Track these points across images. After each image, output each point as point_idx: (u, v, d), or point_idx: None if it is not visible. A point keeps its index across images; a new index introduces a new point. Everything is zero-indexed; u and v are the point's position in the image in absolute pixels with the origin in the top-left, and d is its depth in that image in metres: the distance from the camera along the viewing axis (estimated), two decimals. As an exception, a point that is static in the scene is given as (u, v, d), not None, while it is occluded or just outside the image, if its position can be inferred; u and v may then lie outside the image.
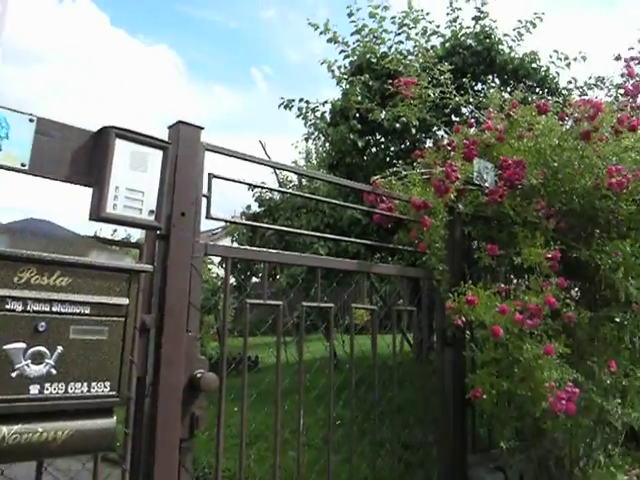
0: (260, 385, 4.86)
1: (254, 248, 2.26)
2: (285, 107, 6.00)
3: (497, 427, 2.85)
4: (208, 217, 2.06)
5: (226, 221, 2.19)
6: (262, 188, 2.17)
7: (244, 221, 2.39)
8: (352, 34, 6.20)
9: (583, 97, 5.11)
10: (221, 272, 9.37)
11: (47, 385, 1.36)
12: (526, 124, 3.18)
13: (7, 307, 1.30)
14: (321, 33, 6.20)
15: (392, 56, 5.84)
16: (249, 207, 6.42)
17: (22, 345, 1.32)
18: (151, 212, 1.75)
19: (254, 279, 8.60)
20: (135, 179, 1.71)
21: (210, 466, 4.45)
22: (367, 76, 5.77)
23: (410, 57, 5.97)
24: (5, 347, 1.29)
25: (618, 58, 3.13)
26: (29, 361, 1.33)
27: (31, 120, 1.55)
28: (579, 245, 2.86)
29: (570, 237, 2.93)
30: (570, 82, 6.00)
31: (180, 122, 1.94)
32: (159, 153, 1.77)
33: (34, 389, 1.33)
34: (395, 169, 3.04)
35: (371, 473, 3.60)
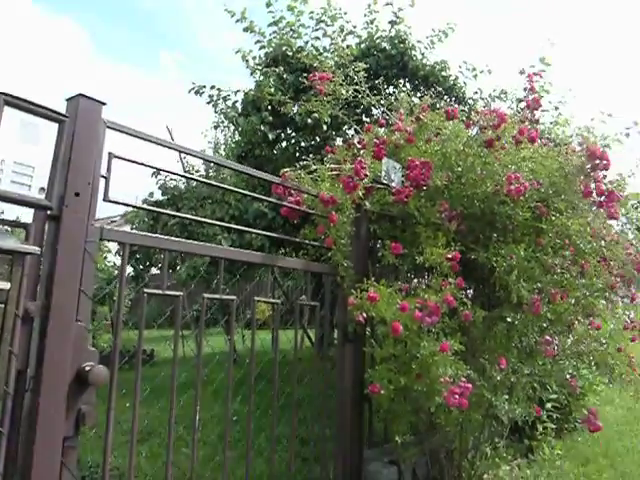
0: (155, 379, 4.68)
1: (154, 235, 2.13)
2: (196, 93, 5.80)
3: (393, 422, 2.91)
4: (106, 199, 1.91)
5: (125, 204, 2.05)
6: (166, 172, 2.05)
7: (145, 206, 2.26)
8: (269, 25, 6.12)
9: (487, 107, 5.38)
10: (118, 261, 8.95)
11: None
12: (434, 128, 3.27)
13: None
14: (237, 21, 6.06)
15: (308, 51, 5.82)
16: (152, 194, 6.14)
17: None
18: (42, 190, 1.59)
19: (154, 270, 8.27)
20: (25, 152, 1.55)
21: (98, 465, 4.22)
22: (282, 69, 5.71)
23: (326, 54, 5.98)
24: None
25: (522, 72, 3.29)
26: None
27: None
28: (478, 247, 2.97)
29: (470, 239, 3.04)
30: (476, 92, 6.28)
31: (80, 95, 1.79)
32: (54, 126, 1.62)
33: None
34: (305, 163, 3.01)
35: (267, 469, 3.57)
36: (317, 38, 6.14)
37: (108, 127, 1.90)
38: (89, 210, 1.79)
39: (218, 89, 5.84)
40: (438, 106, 4.65)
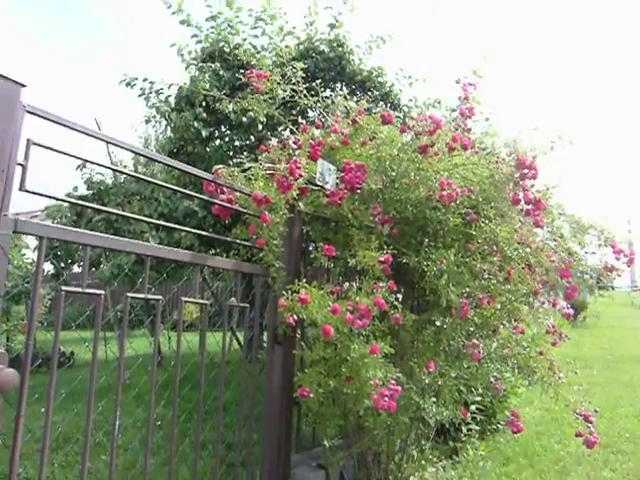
0: (73, 383, 4.44)
1: (75, 229, 2.00)
2: (127, 85, 5.57)
3: (322, 425, 2.88)
4: (22, 189, 1.77)
5: (44, 195, 1.90)
6: (91, 163, 1.92)
7: (66, 198, 2.09)
8: (207, 20, 5.97)
9: (422, 115, 5.47)
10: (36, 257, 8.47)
11: None
12: (370, 132, 3.28)
13: None
14: (174, 13, 5.88)
15: (246, 48, 5.73)
16: (76, 189, 5.83)
17: None
18: (-56, 173, 1.45)
19: (76, 268, 7.88)
20: None
21: (4, 476, 3.94)
22: (218, 65, 5.59)
23: (264, 53, 5.91)
24: None
25: (458, 82, 3.35)
26: None
27: None
28: (409, 252, 2.99)
29: (402, 243, 3.06)
30: (411, 100, 6.39)
31: (-5, 74, 1.65)
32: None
33: None
34: (239, 161, 2.94)
35: (191, 475, 3.45)
36: (255, 36, 6.05)
37: (27, 112, 1.77)
38: (2, 200, 1.66)
39: (151, 82, 5.63)
40: (374, 111, 4.69)
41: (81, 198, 5.58)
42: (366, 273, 2.76)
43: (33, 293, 1.88)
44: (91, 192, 5.70)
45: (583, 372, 7.44)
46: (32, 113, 1.79)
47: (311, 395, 2.50)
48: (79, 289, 1.97)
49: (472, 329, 3.13)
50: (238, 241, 2.81)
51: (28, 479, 3.71)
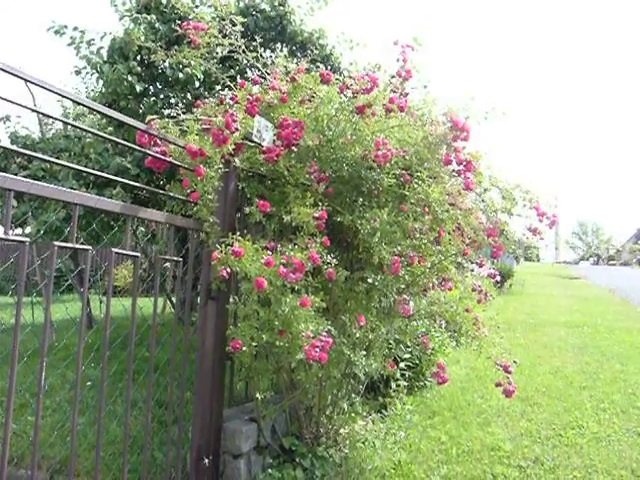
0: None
1: (-3, 172, 1.91)
2: (55, 33, 5.26)
3: (254, 380, 2.91)
4: None
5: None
6: (23, 107, 1.79)
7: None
8: (143, -30, 5.70)
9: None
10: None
11: None
12: (309, 90, 3.26)
13: None
14: (105, -40, 5.58)
15: (183, 1, 5.52)
16: (-1, 142, 5.53)
17: None
18: None
19: None
20: None
21: None
22: (154, 17, 5.37)
23: (202, 7, 5.72)
24: None
25: (396, 44, 3.36)
26: None
27: None
28: (344, 210, 3.03)
29: (337, 202, 3.10)
30: (351, 64, 6.35)
31: None
32: None
33: None
34: (173, 113, 2.86)
35: (122, 433, 3.43)
36: (191, -11, 5.84)
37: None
38: None
39: (81, 31, 5.34)
40: (313, 72, 4.65)
41: (5, 152, 5.28)
42: (301, 230, 2.78)
43: None
44: (16, 147, 5.40)
45: (506, 334, 7.86)
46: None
47: (244, 349, 2.52)
48: (2, 235, 1.89)
49: (403, 287, 3.22)
50: (171, 194, 2.75)
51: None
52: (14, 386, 1.93)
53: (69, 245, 2.17)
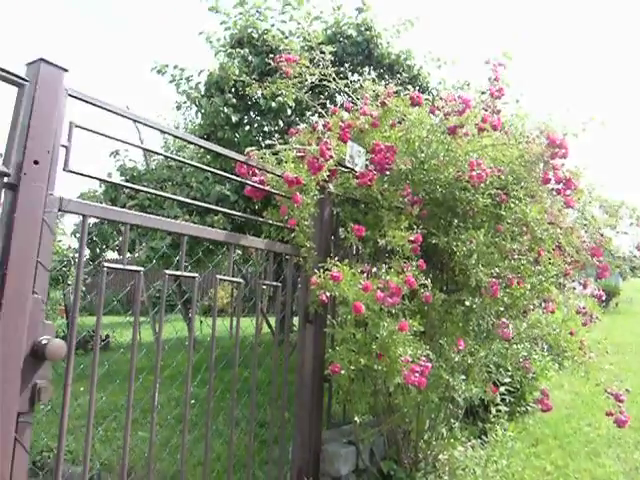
0: (110, 364, 4.59)
1: (115, 208, 2.08)
2: (158, 72, 5.67)
3: (352, 402, 2.93)
4: (66, 169, 1.85)
5: (86, 175, 1.97)
6: (131, 145, 2.01)
7: (106, 178, 2.17)
8: (235, 6, 6.02)
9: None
10: (73, 243, 8.67)
11: None
12: (399, 114, 3.29)
13: None
14: (202, 0, 5.95)
15: (274, 34, 5.76)
16: (110, 175, 5.96)
17: None
18: (-1, 156, 1.54)
19: (110, 254, 8.10)
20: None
21: (49, 450, 4.12)
22: (247, 51, 5.65)
23: (292, 38, 5.93)
24: None
25: (487, 62, 3.33)
26: None
27: None
28: (438, 232, 3.01)
29: (431, 224, 3.09)
30: (440, 83, 6.35)
31: (42, 60, 1.71)
32: (13, 90, 1.56)
33: None
34: (270, 143, 2.99)
35: (225, 451, 3.56)
36: (283, 22, 6.08)
37: (70, 95, 1.84)
38: (48, 179, 1.73)
39: (181, 69, 5.73)
40: (402, 94, 4.69)
41: (114, 185, 5.72)
42: (396, 253, 2.79)
43: (78, 264, 1.97)
44: (124, 178, 5.84)
45: (614, 358, 7.37)
46: (74, 97, 1.86)
47: (342, 372, 2.55)
48: (120, 265, 2.05)
49: (502, 309, 3.14)
50: (270, 221, 2.86)
51: (70, 452, 3.88)
52: (131, 402, 2.08)
53: (177, 273, 2.31)
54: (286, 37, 5.87)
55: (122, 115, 2.09)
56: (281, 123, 5.79)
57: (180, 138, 2.51)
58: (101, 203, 6.13)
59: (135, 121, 2.21)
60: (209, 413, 2.44)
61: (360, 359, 2.56)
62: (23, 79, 1.60)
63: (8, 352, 1.59)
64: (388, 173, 3.10)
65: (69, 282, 7.94)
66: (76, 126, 1.87)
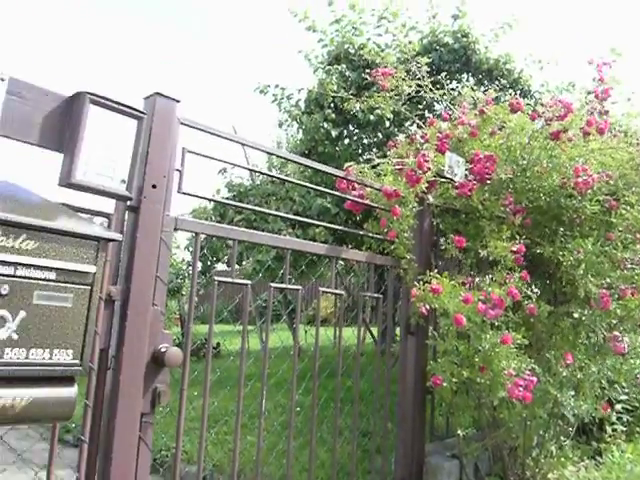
0: (221, 371, 4.85)
1: (225, 225, 2.24)
2: (260, 92, 5.96)
3: (455, 415, 2.91)
4: (180, 191, 2.02)
5: (198, 196, 2.16)
6: (237, 166, 2.17)
7: (216, 198, 2.36)
8: (331, 24, 6.19)
9: (554, 100, 5.25)
10: (186, 256, 9.24)
11: (7, 350, 1.31)
12: (498, 121, 3.24)
13: (-32, 268, 1.26)
14: (300, 21, 6.17)
15: (370, 48, 5.85)
16: (218, 191, 6.36)
17: (-18, 308, 1.28)
18: (122, 182, 1.71)
19: (219, 266, 8.54)
20: (108, 147, 1.67)
21: (167, 449, 4.43)
22: (344, 66, 5.78)
23: (388, 50, 6.00)
24: (-35, 309, 1.25)
25: (590, 63, 3.20)
26: None
27: (2, 79, 1.49)
28: (543, 242, 2.93)
29: (535, 233, 3.01)
30: (542, 85, 6.13)
31: (157, 94, 1.90)
32: (134, 123, 1.74)
33: None
34: (368, 157, 3.05)
35: (329, 458, 3.64)
36: (379, 35, 6.17)
37: (182, 124, 2.01)
38: (165, 201, 1.90)
39: (282, 88, 5.97)
40: (502, 100, 4.58)
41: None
42: (498, 264, 2.75)
43: (192, 277, 2.13)
44: (232, 194, 6.17)
45: None
46: (185, 125, 2.04)
47: (444, 384, 2.54)
48: (229, 279, 2.20)
49: (614, 322, 2.98)
50: (370, 234, 2.92)
51: (185, 452, 4.14)
52: (241, 408, 2.21)
53: (282, 286, 2.44)
54: (382, 50, 5.94)
55: (230, 139, 2.25)
56: (380, 135, 5.85)
57: (282, 157, 2.65)
58: (211, 218, 6.51)
59: (243, 144, 2.37)
60: (313, 421, 2.53)
61: (462, 372, 2.54)
62: (142, 112, 1.78)
63: (132, 358, 1.77)
64: (489, 182, 3.06)
65: (183, 292, 8.46)
66: (188, 151, 2.04)
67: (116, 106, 1.68)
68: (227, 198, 6.26)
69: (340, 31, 6.16)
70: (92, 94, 1.62)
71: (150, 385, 1.83)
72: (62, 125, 1.61)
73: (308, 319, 9.25)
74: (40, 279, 1.37)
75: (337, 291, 2.72)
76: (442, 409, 3.17)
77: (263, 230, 5.59)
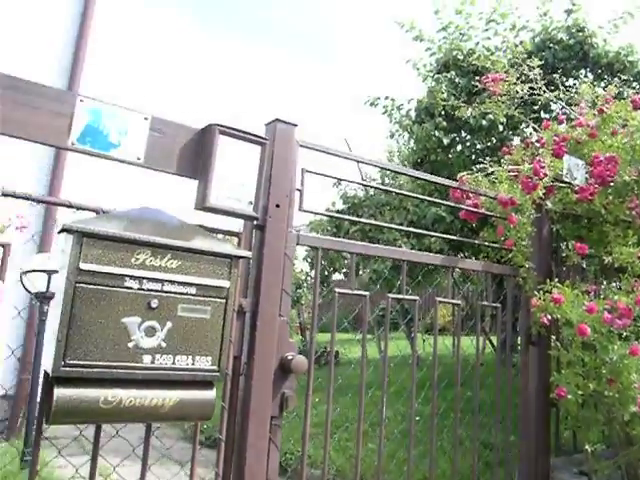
0: (339, 378, 4.99)
1: (343, 240, 2.36)
2: (371, 105, 6.08)
3: (582, 430, 2.79)
4: (301, 209, 2.16)
5: (318, 213, 2.30)
6: (353, 183, 2.27)
7: (334, 214, 2.48)
8: (438, 31, 6.19)
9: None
10: (305, 267, 9.55)
11: (157, 356, 1.51)
12: (620, 120, 3.09)
13: (126, 284, 1.47)
14: (407, 31, 6.22)
15: (479, 52, 5.77)
16: (334, 204, 6.56)
17: (137, 319, 1.48)
18: (250, 203, 1.87)
19: (335, 276, 8.76)
20: (236, 172, 1.83)
21: (291, 452, 4.63)
22: (453, 73, 5.75)
23: (498, 53, 5.88)
24: (123, 320, 1.46)
25: None
26: (143, 334, 1.48)
27: (145, 118, 1.71)
28: (675, 246, 2.74)
29: (666, 237, 2.82)
30: (673, 74, 5.68)
31: (277, 120, 2.05)
32: (258, 148, 1.88)
33: (147, 359, 1.49)
34: (482, 166, 3.04)
35: (449, 469, 3.62)
36: (488, 38, 6.07)
37: (300, 146, 2.15)
38: (287, 219, 2.05)
39: (392, 99, 6.05)
40: (625, 95, 4.33)
41: (338, 212, 6.24)
42: (624, 271, 2.62)
43: (314, 291, 2.25)
44: (346, 206, 6.33)
45: None
46: (304, 146, 2.17)
47: (568, 396, 2.47)
48: (349, 290, 2.30)
49: None
50: (486, 243, 2.91)
51: (309, 456, 4.31)
52: (362, 415, 2.29)
53: (400, 296, 2.50)
54: (492, 53, 5.82)
55: (346, 158, 2.36)
56: (493, 139, 5.73)
57: (395, 172, 2.72)
58: (327, 230, 6.71)
59: (358, 162, 2.48)
60: (433, 429, 2.55)
61: (589, 384, 2.45)
62: (265, 139, 1.93)
63: (262, 365, 1.92)
64: (611, 185, 2.92)
65: (302, 302, 8.75)
66: (307, 171, 2.18)
67: (242, 135, 1.85)
68: (342, 210, 6.44)
69: (448, 38, 6.14)
70: (220, 125, 1.80)
71: (278, 390, 1.96)
72: (196, 155, 1.80)
73: (425, 327, 9.19)
74: (183, 294, 1.57)
75: (454, 301, 2.73)
76: (568, 423, 3.04)
77: (378, 240, 5.69)
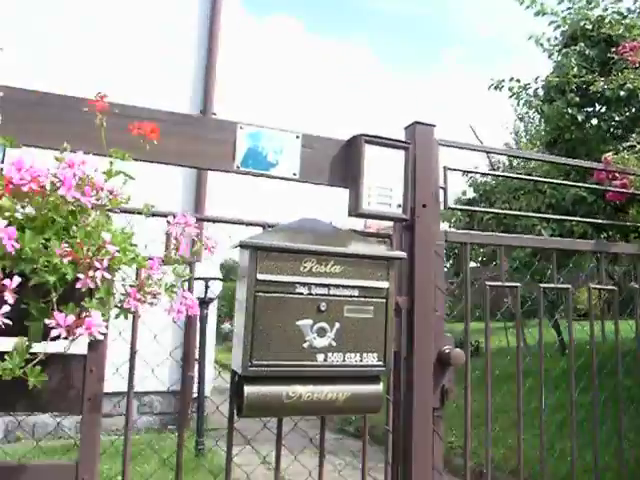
0: (482, 369, 4.94)
1: (489, 233, 2.39)
2: (495, 88, 5.91)
3: None
4: (446, 207, 2.23)
5: (463, 209, 2.36)
6: (490, 174, 2.26)
7: (478, 208, 2.47)
8: (559, 3, 5.87)
9: None
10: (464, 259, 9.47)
11: (329, 354, 1.66)
12: None
13: (297, 291, 1.64)
14: (527, 7, 5.98)
15: (609, 18, 5.41)
16: (464, 193, 6.46)
17: (309, 321, 1.64)
18: (398, 206, 1.98)
19: (471, 264, 8.65)
20: (383, 178, 1.94)
21: (448, 443, 4.67)
22: (582, 45, 5.42)
23: (631, 16, 5.46)
24: (297, 323, 1.63)
25: None
26: (315, 335, 1.65)
27: (297, 137, 1.89)
28: None
29: None
30: None
31: (416, 122, 2.12)
32: (401, 153, 1.98)
33: (320, 357, 1.65)
34: (629, 144, 2.89)
35: (612, 461, 3.45)
36: (618, 1, 5.64)
37: (440, 144, 2.21)
38: (434, 218, 2.12)
39: (517, 80, 5.84)
40: None
41: (470, 200, 6.15)
42: None
43: (466, 287, 2.29)
44: (477, 194, 6.22)
45: None
46: (443, 145, 2.23)
47: None
48: (499, 283, 2.33)
49: None
50: (637, 224, 2.78)
51: (460, 447, 4.33)
52: (521, 406, 2.31)
53: (552, 285, 2.48)
54: (624, 17, 5.42)
55: (482, 151, 2.40)
56: (634, 109, 5.34)
57: (532, 159, 2.70)
58: (460, 219, 6.62)
59: (496, 153, 2.51)
60: (596, 421, 2.49)
61: None
62: (407, 143, 2.03)
63: (421, 359, 2.01)
64: None
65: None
66: (449, 169, 2.24)
67: (385, 141, 1.96)
68: (473, 198, 6.34)
69: (572, 8, 5.81)
70: (365, 135, 1.93)
71: (438, 383, 2.04)
72: (344, 165, 1.94)
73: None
74: (347, 296, 1.71)
75: (608, 287, 2.64)
76: None
77: (515, 226, 5.53)
